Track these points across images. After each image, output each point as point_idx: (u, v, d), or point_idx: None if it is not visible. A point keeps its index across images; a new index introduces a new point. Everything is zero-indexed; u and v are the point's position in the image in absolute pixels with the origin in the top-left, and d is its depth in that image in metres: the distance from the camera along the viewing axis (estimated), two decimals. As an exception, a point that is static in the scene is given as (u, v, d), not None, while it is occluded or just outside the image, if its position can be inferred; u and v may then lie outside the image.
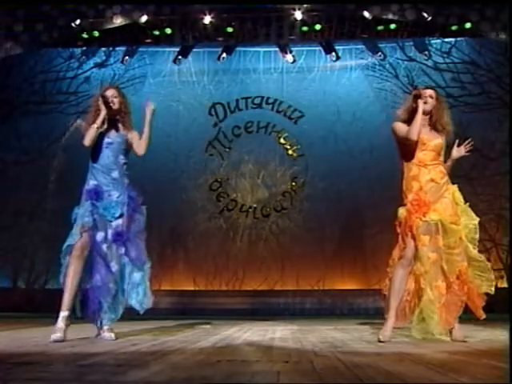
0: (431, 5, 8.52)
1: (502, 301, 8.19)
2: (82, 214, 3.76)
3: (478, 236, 3.65)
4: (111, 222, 3.80)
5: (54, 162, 9.51)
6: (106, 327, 3.73)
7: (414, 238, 3.57)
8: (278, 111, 10.32)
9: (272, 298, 9.23)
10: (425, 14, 8.52)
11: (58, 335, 3.49)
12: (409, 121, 3.74)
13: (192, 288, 9.62)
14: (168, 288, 9.61)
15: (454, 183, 3.80)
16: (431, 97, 3.81)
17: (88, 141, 3.86)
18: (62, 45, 9.68)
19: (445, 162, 3.87)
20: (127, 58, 10.08)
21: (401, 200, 3.74)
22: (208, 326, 5.32)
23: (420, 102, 3.72)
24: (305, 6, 8.94)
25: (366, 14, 8.76)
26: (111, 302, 3.76)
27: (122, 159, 3.99)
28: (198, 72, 10.40)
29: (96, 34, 9.25)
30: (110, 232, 3.78)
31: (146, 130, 4.14)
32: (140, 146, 4.10)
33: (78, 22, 8.80)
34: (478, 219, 3.67)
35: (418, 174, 3.70)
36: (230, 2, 9.04)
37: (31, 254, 9.38)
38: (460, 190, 3.75)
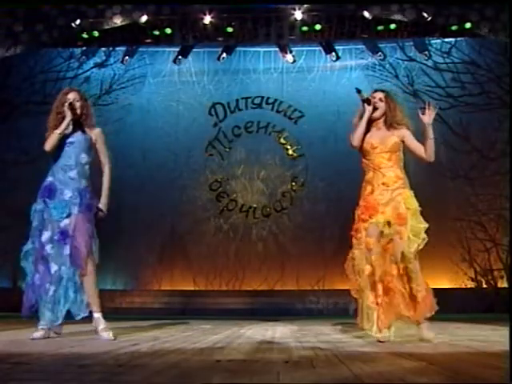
0: (431, 5, 8.52)
1: (502, 301, 8.23)
2: (32, 213, 3.81)
3: (424, 240, 3.59)
4: (59, 221, 3.77)
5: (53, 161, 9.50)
6: (101, 327, 3.72)
7: (358, 240, 3.64)
8: (278, 111, 10.33)
9: (272, 297, 9.23)
10: (425, 14, 8.52)
11: (40, 333, 3.62)
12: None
13: (192, 288, 9.63)
14: (168, 288, 9.62)
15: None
16: (381, 100, 3.83)
17: (48, 146, 3.94)
18: (62, 45, 9.67)
19: (423, 143, 3.82)
20: (127, 57, 10.08)
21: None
22: (208, 326, 5.32)
23: (366, 108, 3.77)
24: (305, 6, 8.93)
25: (366, 13, 8.76)
26: (48, 302, 3.70)
27: (83, 158, 3.95)
28: (197, 72, 10.40)
29: (96, 33, 9.24)
30: (56, 231, 3.76)
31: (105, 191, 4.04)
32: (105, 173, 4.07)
33: (78, 21, 8.80)
34: (426, 225, 3.63)
35: (372, 177, 3.75)
36: (229, 2, 9.04)
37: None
38: (416, 195, 3.74)
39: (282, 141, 10.19)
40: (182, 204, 9.94)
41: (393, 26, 9.05)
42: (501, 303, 8.17)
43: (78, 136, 3.98)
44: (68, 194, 3.83)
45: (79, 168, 3.92)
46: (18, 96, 9.98)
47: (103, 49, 10.09)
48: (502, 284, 8.94)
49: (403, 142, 3.82)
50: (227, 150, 10.27)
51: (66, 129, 3.91)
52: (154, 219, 9.80)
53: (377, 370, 2.20)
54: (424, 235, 3.61)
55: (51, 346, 3.14)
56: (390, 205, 3.63)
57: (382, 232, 3.58)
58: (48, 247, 3.75)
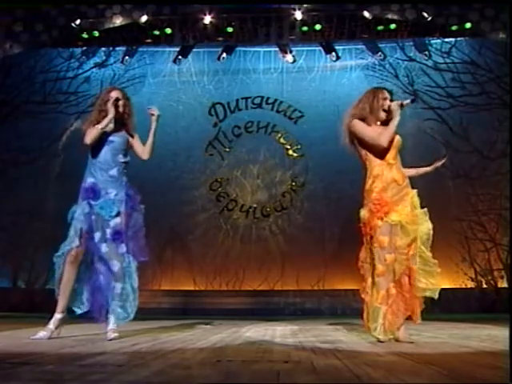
0: (431, 5, 8.52)
1: (502, 301, 8.24)
2: (78, 215, 3.76)
3: (430, 241, 3.62)
4: (109, 220, 3.77)
5: (54, 161, 9.51)
6: (110, 326, 3.72)
7: (370, 239, 3.58)
8: (278, 111, 10.33)
9: (272, 297, 9.23)
10: (425, 14, 8.52)
11: (44, 333, 3.60)
12: (367, 120, 3.71)
13: (192, 288, 9.63)
14: (168, 288, 9.62)
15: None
16: (390, 101, 3.77)
17: (89, 139, 3.86)
18: (62, 45, 9.68)
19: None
20: (127, 57, 10.09)
21: (362, 199, 3.72)
22: (208, 326, 5.32)
23: (398, 113, 3.66)
24: (305, 6, 8.94)
25: (366, 13, 8.76)
26: (118, 300, 3.74)
27: (120, 158, 3.97)
28: (198, 72, 10.40)
29: (96, 33, 9.26)
30: (108, 231, 3.76)
31: (151, 136, 4.11)
32: (145, 152, 4.13)
33: (78, 21, 8.80)
34: (431, 225, 3.64)
35: (381, 173, 3.65)
36: (230, 2, 9.04)
37: (31, 254, 9.37)
38: (419, 195, 3.73)
39: (282, 141, 10.20)
40: (181, 204, 9.94)
41: (393, 26, 9.07)
42: (501, 303, 8.18)
43: (117, 136, 3.98)
44: (113, 192, 3.83)
45: (118, 166, 3.93)
46: (17, 96, 9.97)
47: (103, 49, 10.10)
48: (502, 284, 8.94)
49: None
50: (227, 149, 10.27)
51: (107, 125, 3.90)
52: (153, 219, 9.73)
53: (377, 371, 2.20)
54: (431, 233, 3.63)
55: (52, 346, 3.14)
56: (401, 204, 3.61)
57: (400, 230, 3.55)
58: (103, 246, 3.75)
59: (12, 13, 8.63)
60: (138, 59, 10.27)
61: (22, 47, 8.89)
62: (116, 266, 3.74)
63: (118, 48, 10.04)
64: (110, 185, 3.86)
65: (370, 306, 3.54)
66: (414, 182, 3.83)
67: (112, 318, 3.73)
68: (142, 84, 10.30)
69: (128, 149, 4.07)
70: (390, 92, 3.86)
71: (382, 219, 3.54)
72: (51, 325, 3.69)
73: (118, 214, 3.80)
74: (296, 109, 10.25)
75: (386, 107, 3.71)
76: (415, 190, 3.71)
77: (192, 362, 2.50)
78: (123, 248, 3.78)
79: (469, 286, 9.00)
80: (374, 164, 3.68)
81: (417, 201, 3.67)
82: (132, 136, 4.09)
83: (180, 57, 10.05)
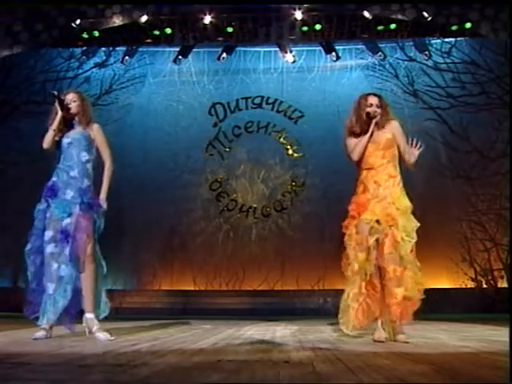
0: (431, 4, 8.52)
1: (502, 300, 8.23)
2: (36, 214, 3.86)
3: (414, 239, 3.59)
4: (62, 220, 3.79)
5: (55, 162, 9.49)
6: (95, 328, 3.72)
7: (349, 237, 3.65)
8: (278, 111, 10.33)
9: (272, 297, 9.23)
10: (425, 14, 8.52)
11: (41, 333, 3.63)
12: (359, 133, 3.80)
13: (192, 288, 9.63)
14: (168, 288, 9.62)
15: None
16: (377, 106, 3.80)
17: (45, 143, 4.04)
18: (62, 45, 9.67)
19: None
20: (127, 57, 10.09)
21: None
22: (208, 326, 5.32)
23: (372, 125, 3.75)
24: (305, 5, 8.93)
25: (366, 13, 8.76)
26: (49, 301, 3.71)
27: (83, 156, 3.99)
28: (198, 72, 10.40)
29: (96, 33, 9.24)
30: (58, 231, 3.78)
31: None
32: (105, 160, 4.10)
33: (78, 21, 8.80)
34: (417, 224, 3.64)
35: (365, 176, 3.77)
36: (230, 2, 9.04)
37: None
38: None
39: (282, 141, 10.20)
40: (182, 204, 9.94)
41: (393, 25, 9.06)
42: (501, 303, 8.18)
43: (75, 135, 4.02)
44: (70, 193, 3.87)
45: (80, 167, 3.96)
46: (18, 96, 9.98)
47: (103, 49, 10.10)
48: (502, 284, 8.94)
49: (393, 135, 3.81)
50: (227, 149, 10.27)
51: (60, 125, 3.95)
52: (153, 219, 9.80)
53: (377, 370, 2.20)
54: (414, 235, 3.61)
55: (52, 346, 3.14)
56: (380, 204, 3.63)
57: (371, 229, 3.57)
58: (50, 246, 3.76)
59: (12, 13, 8.62)
60: (138, 59, 10.27)
61: (22, 47, 8.89)
62: (53, 266, 3.75)
63: (118, 48, 10.04)
64: (69, 186, 3.90)
65: (342, 301, 3.63)
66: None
67: (45, 319, 3.70)
68: (142, 84, 10.30)
69: (91, 144, 4.05)
70: (378, 96, 3.87)
71: (355, 218, 3.66)
72: (45, 325, 3.71)
73: (69, 215, 3.81)
74: (296, 109, 10.25)
75: (369, 111, 3.77)
76: (402, 190, 3.72)
77: (192, 361, 2.51)
78: (66, 251, 3.75)
79: (469, 286, 9.00)
80: (361, 169, 3.82)
81: (400, 201, 3.67)
82: (90, 128, 4.06)
83: (180, 57, 10.04)
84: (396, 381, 1.97)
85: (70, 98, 4.07)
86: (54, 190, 3.88)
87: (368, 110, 3.76)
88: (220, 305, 9.10)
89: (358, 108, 3.82)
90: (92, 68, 10.27)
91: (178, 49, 10.03)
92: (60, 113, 3.97)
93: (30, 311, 3.77)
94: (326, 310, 8.88)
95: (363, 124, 3.77)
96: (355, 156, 3.79)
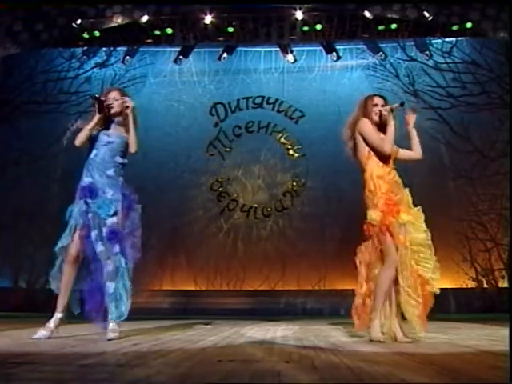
0: (432, 4, 8.52)
1: (503, 301, 8.23)
2: (76, 214, 3.78)
3: (430, 240, 3.66)
4: (105, 219, 3.77)
5: (55, 162, 9.51)
6: (110, 326, 3.72)
7: (392, 237, 3.57)
8: (278, 111, 10.33)
9: (273, 297, 9.24)
10: (426, 14, 8.52)
11: (43, 333, 3.62)
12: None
13: (193, 288, 9.63)
14: (169, 288, 9.63)
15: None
16: (383, 106, 3.80)
17: (78, 141, 3.91)
18: (63, 45, 9.69)
19: (409, 143, 3.85)
20: (128, 57, 10.10)
21: (363, 199, 3.73)
22: (209, 326, 5.32)
23: (390, 117, 3.72)
24: (305, 5, 8.94)
25: (367, 13, 8.76)
26: (112, 299, 3.73)
27: (118, 159, 3.97)
28: (198, 72, 10.41)
29: (97, 33, 9.27)
30: (104, 230, 3.75)
31: (131, 129, 3.97)
32: (130, 145, 4.03)
33: (78, 21, 8.81)
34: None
35: (382, 174, 3.70)
36: (230, 2, 9.04)
37: (32, 253, 9.38)
38: (417, 195, 3.76)
39: (283, 141, 10.20)
40: (182, 204, 9.95)
41: (394, 25, 9.07)
42: (502, 303, 8.18)
43: (116, 137, 3.97)
44: (110, 192, 3.83)
45: (115, 168, 3.94)
46: (19, 96, 9.99)
47: (104, 49, 10.12)
48: (503, 284, 8.93)
49: None
50: (228, 149, 10.28)
51: (94, 127, 3.91)
52: (154, 219, 9.77)
53: (377, 370, 2.20)
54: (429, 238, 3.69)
55: (53, 346, 3.14)
56: (403, 204, 3.64)
57: (411, 228, 3.57)
58: (98, 245, 3.73)
59: (13, 13, 8.63)
60: (138, 59, 10.29)
61: (23, 47, 8.90)
62: (110, 265, 3.73)
63: (118, 48, 10.06)
64: (108, 185, 3.86)
65: (404, 304, 3.54)
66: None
67: (109, 318, 3.73)
68: (143, 84, 10.31)
69: (126, 150, 4.03)
70: (383, 97, 3.88)
71: (395, 218, 3.57)
72: (51, 324, 3.70)
73: (114, 214, 3.79)
74: (297, 109, 10.26)
75: (377, 112, 3.77)
76: (407, 189, 3.74)
77: (193, 361, 2.51)
78: (117, 248, 3.76)
79: (470, 286, 9.00)
80: (377, 165, 3.72)
81: (410, 200, 3.70)
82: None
83: (181, 57, 10.06)
84: (397, 381, 1.97)
85: (113, 97, 4.00)
86: (92, 190, 3.81)
87: (375, 108, 3.77)
88: (221, 305, 9.10)
89: (365, 107, 3.82)
90: (93, 68, 10.28)
91: (178, 49, 10.04)
92: (98, 115, 3.90)
93: (92, 313, 3.75)
94: (327, 310, 8.90)
95: (371, 120, 3.77)
96: (389, 149, 3.69)
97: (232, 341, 3.57)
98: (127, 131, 4.01)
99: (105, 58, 10.25)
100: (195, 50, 10.08)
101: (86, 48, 9.97)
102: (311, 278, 9.42)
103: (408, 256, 3.55)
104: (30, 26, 8.72)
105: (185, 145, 10.16)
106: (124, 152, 4.03)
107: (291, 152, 10.16)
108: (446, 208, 9.12)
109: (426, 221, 3.68)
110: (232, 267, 9.70)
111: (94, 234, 3.75)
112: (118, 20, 8.83)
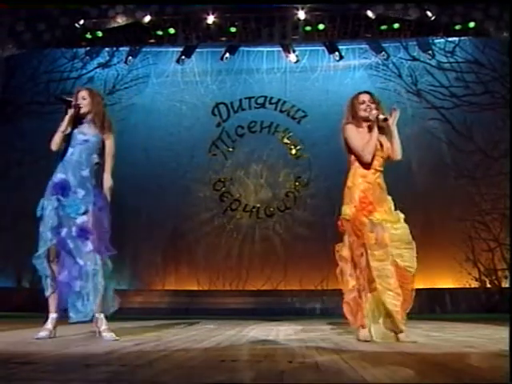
0: (435, 4, 8.51)
1: (506, 301, 8.21)
2: (49, 212, 3.75)
3: (414, 251, 3.62)
4: (75, 218, 3.74)
5: (58, 162, 9.50)
6: (103, 327, 3.71)
7: (361, 235, 3.58)
8: (281, 111, 10.33)
9: (275, 297, 9.23)
10: (428, 13, 8.51)
11: (44, 333, 3.62)
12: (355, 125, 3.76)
13: (196, 288, 9.63)
14: (172, 288, 9.63)
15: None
16: (370, 102, 3.76)
17: (54, 145, 3.96)
18: (66, 45, 9.70)
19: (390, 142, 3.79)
20: (130, 58, 10.11)
21: (342, 195, 3.73)
22: (212, 326, 5.32)
23: (374, 125, 3.68)
24: (308, 5, 8.93)
25: (370, 13, 8.75)
26: (75, 297, 3.67)
27: (94, 158, 3.94)
28: (201, 72, 10.41)
29: (99, 34, 9.28)
30: (73, 229, 3.73)
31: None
32: (106, 169, 4.01)
33: (81, 22, 8.82)
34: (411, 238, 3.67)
35: (367, 174, 3.70)
36: (233, 2, 9.04)
37: (35, 253, 9.38)
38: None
39: (286, 140, 10.20)
40: (185, 204, 9.95)
41: (396, 25, 9.06)
42: (504, 303, 8.16)
43: (92, 136, 3.95)
44: (81, 192, 3.81)
45: (90, 168, 3.91)
46: (21, 96, 10.01)
47: (107, 49, 10.14)
48: (506, 284, 8.91)
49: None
50: (230, 149, 10.28)
51: (66, 128, 3.91)
52: (157, 219, 9.81)
53: (380, 370, 2.20)
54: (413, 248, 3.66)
55: (56, 346, 3.14)
56: (381, 206, 3.63)
57: (384, 228, 3.57)
58: (69, 242, 3.72)
59: (15, 13, 8.64)
60: (141, 59, 10.30)
61: (26, 48, 8.91)
62: (80, 262, 3.70)
63: (121, 48, 10.07)
64: (80, 185, 3.83)
65: (387, 303, 3.49)
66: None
67: (72, 316, 3.66)
68: (146, 84, 10.32)
69: (103, 150, 4.00)
70: (369, 93, 3.85)
71: (366, 217, 3.58)
72: (49, 325, 3.70)
73: (84, 213, 3.76)
74: (299, 108, 10.25)
75: (365, 108, 3.74)
76: (390, 197, 3.73)
77: (196, 361, 2.51)
78: (89, 246, 3.72)
79: (472, 286, 8.98)
80: (359, 165, 3.73)
81: (392, 207, 3.71)
82: (107, 135, 4.01)
83: (183, 57, 10.06)
84: (399, 380, 1.97)
85: (81, 96, 3.97)
86: (64, 188, 3.81)
87: (361, 106, 3.75)
88: (223, 305, 9.10)
89: (352, 108, 3.80)
90: (95, 68, 10.30)
91: (181, 49, 10.05)
92: (68, 114, 3.89)
93: (58, 309, 3.75)
94: (330, 310, 8.89)
95: (360, 117, 3.75)
96: (369, 157, 3.67)
97: (235, 341, 3.57)
98: (103, 130, 3.98)
99: (107, 58, 10.27)
100: (198, 50, 10.08)
101: (88, 48, 9.99)
102: (314, 278, 9.41)
103: (380, 256, 3.53)
104: (33, 27, 8.73)
105: (187, 145, 10.16)
106: (101, 152, 3.99)
107: (294, 152, 10.15)
108: (449, 208, 9.11)
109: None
110: (234, 267, 9.70)
111: (64, 231, 3.74)
112: (121, 20, 8.84)
